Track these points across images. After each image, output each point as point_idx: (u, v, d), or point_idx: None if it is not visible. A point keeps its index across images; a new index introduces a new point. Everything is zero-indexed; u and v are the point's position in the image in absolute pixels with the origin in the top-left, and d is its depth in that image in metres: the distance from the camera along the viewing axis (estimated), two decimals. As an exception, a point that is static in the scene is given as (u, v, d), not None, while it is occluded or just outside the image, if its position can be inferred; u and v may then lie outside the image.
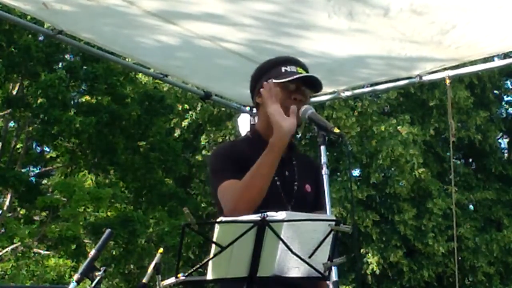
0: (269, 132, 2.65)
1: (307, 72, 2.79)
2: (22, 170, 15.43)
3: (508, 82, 21.25)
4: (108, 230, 2.71)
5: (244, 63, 4.68)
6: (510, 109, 21.66)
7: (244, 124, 5.68)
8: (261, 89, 2.70)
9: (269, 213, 2.17)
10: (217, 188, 2.63)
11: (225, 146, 3.00)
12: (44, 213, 15.28)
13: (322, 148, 2.55)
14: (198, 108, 17.58)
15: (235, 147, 2.82)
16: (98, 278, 2.51)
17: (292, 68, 2.75)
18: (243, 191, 2.53)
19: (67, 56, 14.79)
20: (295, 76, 2.70)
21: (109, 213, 15.31)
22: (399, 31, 4.26)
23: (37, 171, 17.49)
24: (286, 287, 2.32)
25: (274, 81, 2.71)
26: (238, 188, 2.53)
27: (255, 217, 2.16)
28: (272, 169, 2.55)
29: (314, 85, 2.76)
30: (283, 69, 2.75)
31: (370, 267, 17.77)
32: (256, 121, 2.93)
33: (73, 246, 14.44)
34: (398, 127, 17.49)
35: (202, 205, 17.68)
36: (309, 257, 2.25)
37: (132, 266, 16.66)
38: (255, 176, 2.54)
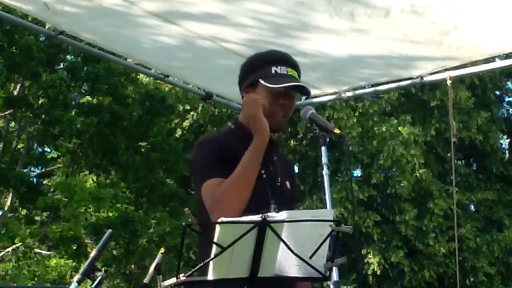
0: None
1: (297, 71, 2.76)
2: (23, 171, 15.43)
3: (509, 83, 21.23)
4: (109, 231, 2.72)
5: (245, 63, 4.68)
6: (511, 109, 21.66)
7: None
8: (244, 98, 2.72)
9: (269, 214, 2.17)
10: (201, 186, 2.61)
11: (211, 138, 2.89)
12: (45, 214, 15.27)
13: (323, 148, 2.56)
14: (199, 109, 17.59)
15: (221, 140, 2.75)
16: (99, 278, 2.52)
17: (283, 70, 2.71)
18: (234, 188, 2.51)
19: (68, 57, 14.78)
20: (284, 85, 2.66)
21: (110, 214, 15.29)
22: (400, 32, 4.27)
23: (38, 172, 17.50)
24: (287, 286, 2.32)
25: (262, 82, 2.70)
26: (228, 186, 2.52)
27: (256, 217, 2.16)
28: (258, 167, 2.57)
29: (303, 91, 2.74)
30: (273, 69, 2.71)
31: (371, 268, 17.77)
32: (240, 114, 2.87)
33: (74, 247, 14.44)
34: (399, 128, 17.49)
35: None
36: (310, 257, 2.26)
37: (133, 267, 16.65)
38: (245, 173, 2.54)
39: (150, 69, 5.69)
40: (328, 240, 2.27)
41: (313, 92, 5.30)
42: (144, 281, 2.50)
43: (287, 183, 2.78)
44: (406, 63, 4.81)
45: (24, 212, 16.00)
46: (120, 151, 14.85)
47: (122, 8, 4.10)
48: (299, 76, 2.77)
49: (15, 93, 14.07)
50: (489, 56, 4.74)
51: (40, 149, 17.80)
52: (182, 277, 2.20)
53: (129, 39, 4.66)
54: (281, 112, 2.69)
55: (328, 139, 2.60)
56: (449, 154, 18.63)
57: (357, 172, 19.21)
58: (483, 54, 4.59)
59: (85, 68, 14.19)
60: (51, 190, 15.76)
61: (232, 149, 2.64)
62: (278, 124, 2.72)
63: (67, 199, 14.12)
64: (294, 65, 2.77)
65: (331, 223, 2.26)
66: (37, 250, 15.48)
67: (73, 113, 14.11)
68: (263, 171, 2.66)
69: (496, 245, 18.21)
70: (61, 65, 14.71)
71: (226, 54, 4.71)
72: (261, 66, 2.76)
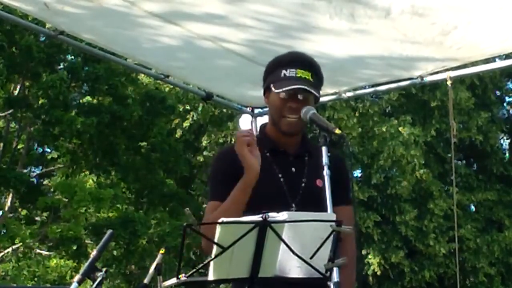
0: (274, 129, 2.80)
1: (311, 70, 2.76)
2: (23, 171, 15.42)
3: (510, 83, 21.24)
4: (109, 231, 2.72)
5: (246, 64, 4.69)
6: (511, 110, 21.65)
7: (245, 124, 5.68)
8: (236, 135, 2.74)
9: (270, 214, 2.17)
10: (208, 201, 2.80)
11: (223, 153, 2.97)
12: (45, 214, 15.27)
13: (324, 149, 2.56)
14: (200, 109, 17.58)
15: (233, 154, 2.79)
16: (99, 278, 2.51)
17: (292, 72, 2.72)
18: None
19: (68, 57, 14.78)
20: (284, 89, 2.69)
21: (110, 214, 15.30)
22: (401, 32, 4.26)
23: (38, 172, 17.48)
24: (287, 286, 2.32)
25: (271, 87, 2.75)
26: (215, 218, 2.53)
27: (257, 217, 2.16)
28: (245, 201, 2.63)
29: (309, 91, 2.73)
30: (282, 73, 2.74)
31: (371, 268, 17.76)
32: (266, 123, 2.95)
33: (74, 247, 14.42)
34: (400, 128, 17.48)
35: (203, 205, 17.67)
36: (311, 257, 2.26)
37: (133, 267, 16.66)
38: (231, 208, 2.60)
39: (151, 69, 5.69)
40: (329, 242, 2.27)
41: (313, 92, 5.30)
42: (144, 282, 2.51)
43: (319, 181, 2.71)
44: (407, 64, 4.81)
45: (24, 212, 15.99)
46: (120, 151, 14.85)
47: (122, 9, 4.10)
48: (315, 74, 2.78)
49: (15, 93, 14.07)
50: (489, 56, 4.74)
51: (40, 149, 17.79)
52: (182, 277, 2.20)
53: (130, 39, 4.66)
54: (290, 115, 2.71)
55: (328, 140, 2.60)
56: (449, 155, 18.64)
57: (357, 173, 19.21)
58: (483, 54, 4.59)
59: (85, 68, 14.19)
60: (51, 190, 15.75)
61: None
62: (290, 126, 2.74)
63: (67, 200, 14.12)
64: (307, 65, 2.78)
65: (332, 223, 2.27)
66: (37, 251, 15.47)
67: (73, 113, 14.10)
68: (280, 175, 2.72)
69: (496, 245, 18.21)
70: (61, 65, 14.71)
71: (226, 55, 4.72)
72: (273, 70, 2.80)
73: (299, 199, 2.70)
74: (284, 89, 2.69)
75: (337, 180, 2.71)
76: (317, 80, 2.79)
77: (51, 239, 14.40)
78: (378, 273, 17.82)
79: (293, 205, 2.66)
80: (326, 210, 2.54)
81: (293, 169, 2.75)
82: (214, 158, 2.95)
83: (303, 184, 2.75)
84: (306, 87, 2.70)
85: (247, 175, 2.61)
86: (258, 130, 2.99)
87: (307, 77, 2.73)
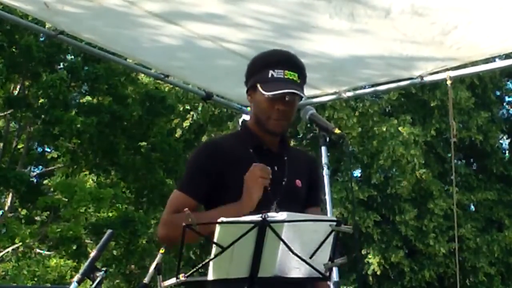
0: (257, 128, 2.77)
1: (298, 71, 2.73)
2: (23, 171, 15.42)
3: (510, 83, 21.24)
4: (109, 231, 2.71)
5: (246, 63, 4.66)
6: (511, 109, 21.66)
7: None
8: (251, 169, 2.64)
9: (270, 214, 2.17)
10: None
11: (208, 145, 3.04)
12: (45, 214, 15.26)
13: (323, 148, 2.56)
14: (199, 109, 17.58)
15: (217, 146, 2.82)
16: (99, 278, 2.51)
17: (279, 73, 2.69)
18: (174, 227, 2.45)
19: (68, 57, 14.79)
20: (274, 92, 2.66)
21: (110, 214, 15.29)
22: (400, 32, 4.26)
23: (38, 172, 17.49)
24: (287, 286, 2.32)
25: (258, 87, 2.72)
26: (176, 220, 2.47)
27: (256, 217, 2.16)
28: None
29: (298, 94, 2.70)
30: (270, 73, 2.70)
31: (371, 268, 17.77)
32: (249, 117, 2.94)
33: (74, 247, 14.43)
34: (399, 128, 17.48)
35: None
36: (310, 257, 2.26)
37: (133, 266, 16.65)
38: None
39: (150, 69, 5.69)
40: (328, 240, 2.28)
41: (313, 92, 5.31)
42: (144, 281, 2.50)
43: (298, 181, 2.77)
44: (406, 63, 4.81)
45: (24, 212, 15.99)
46: (120, 151, 14.85)
47: (122, 8, 4.10)
48: (301, 75, 2.74)
49: (15, 93, 14.07)
50: (489, 56, 4.74)
51: (40, 149, 17.80)
52: (182, 277, 2.20)
53: (130, 39, 4.66)
54: (277, 116, 2.70)
55: (328, 139, 2.60)
56: (449, 154, 18.65)
57: (357, 172, 19.22)
58: (483, 54, 4.59)
59: (85, 68, 14.19)
60: (51, 190, 15.75)
61: (226, 151, 2.72)
62: (277, 127, 2.73)
63: (67, 199, 14.11)
64: (294, 66, 2.74)
65: (331, 223, 2.27)
66: (37, 250, 15.47)
67: (73, 113, 14.11)
68: None
69: (496, 245, 18.22)
70: (61, 65, 14.71)
71: (226, 54, 4.72)
72: (260, 69, 2.76)
73: (281, 198, 2.68)
74: (275, 92, 2.65)
75: (309, 181, 2.76)
76: (303, 80, 2.76)
77: (51, 239, 14.40)
78: (378, 272, 17.83)
79: (274, 203, 2.64)
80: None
81: (275, 168, 2.72)
82: (195, 151, 2.90)
83: (284, 183, 2.73)
84: (296, 91, 2.67)
85: (245, 208, 2.57)
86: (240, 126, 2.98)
87: (294, 78, 2.70)
